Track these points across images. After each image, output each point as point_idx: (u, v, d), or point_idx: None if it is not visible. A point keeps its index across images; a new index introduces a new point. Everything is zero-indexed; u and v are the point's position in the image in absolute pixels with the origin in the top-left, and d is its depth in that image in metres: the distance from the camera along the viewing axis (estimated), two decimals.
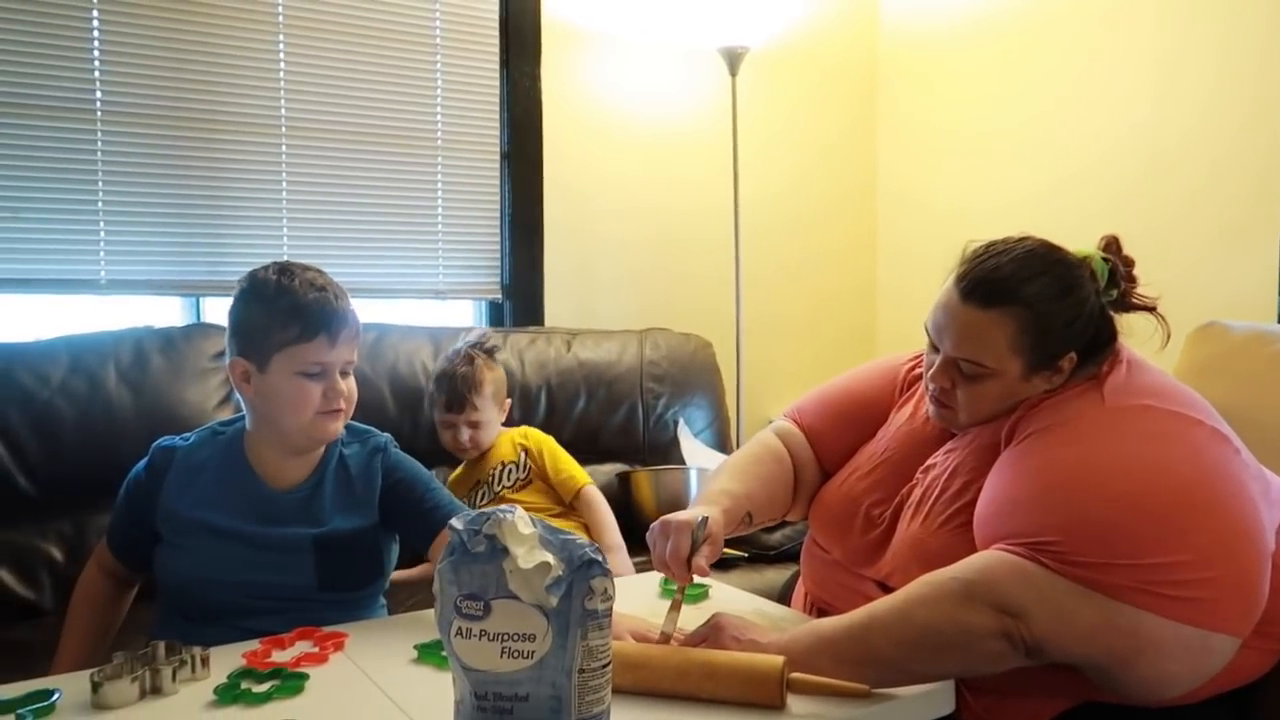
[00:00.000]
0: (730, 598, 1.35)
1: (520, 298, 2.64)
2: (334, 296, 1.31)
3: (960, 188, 2.93)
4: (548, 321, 2.64)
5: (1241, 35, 2.25)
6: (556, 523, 1.82)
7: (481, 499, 1.98)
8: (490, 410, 1.98)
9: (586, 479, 2.01)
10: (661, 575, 1.49)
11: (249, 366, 1.31)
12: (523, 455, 2.01)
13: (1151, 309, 1.23)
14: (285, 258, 2.24)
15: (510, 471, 2.00)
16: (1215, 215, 2.32)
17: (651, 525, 1.24)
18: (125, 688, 1.03)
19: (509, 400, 2.06)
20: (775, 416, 1.56)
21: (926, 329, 1.26)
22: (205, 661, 1.11)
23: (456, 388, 1.94)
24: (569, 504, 2.00)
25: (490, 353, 2.01)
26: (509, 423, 2.09)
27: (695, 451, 2.41)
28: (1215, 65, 2.31)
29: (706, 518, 1.22)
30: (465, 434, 1.96)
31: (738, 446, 2.63)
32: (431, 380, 2.03)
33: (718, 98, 2.83)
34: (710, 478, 1.42)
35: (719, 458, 2.37)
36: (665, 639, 1.13)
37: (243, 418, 1.39)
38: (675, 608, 1.17)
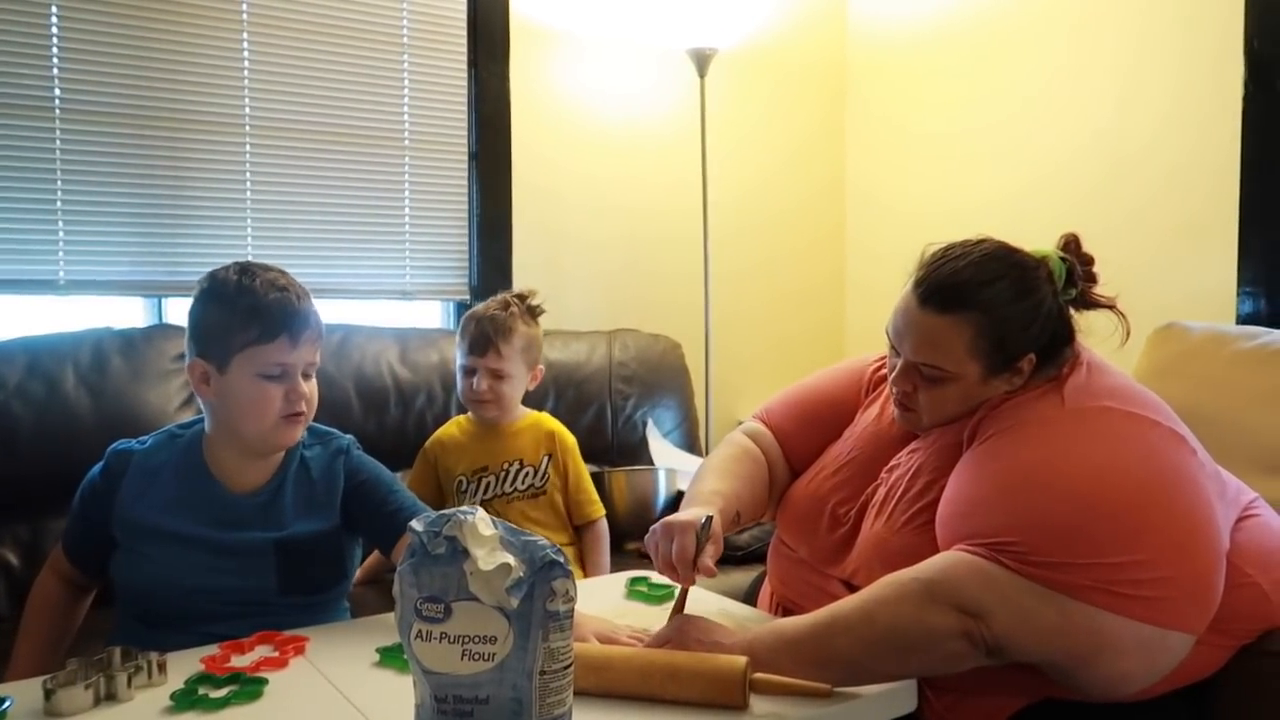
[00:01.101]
0: (696, 598, 1.34)
1: (488, 298, 2.61)
2: (296, 297, 1.30)
3: (927, 189, 2.95)
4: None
5: (1200, 42, 2.29)
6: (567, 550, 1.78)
7: (485, 491, 1.80)
8: (517, 365, 1.77)
9: (602, 509, 1.87)
10: (629, 576, 1.49)
11: (208, 368, 1.29)
12: (545, 461, 1.82)
13: (1111, 306, 1.25)
14: (250, 258, 2.21)
15: (526, 475, 1.81)
16: (1175, 218, 2.35)
17: (652, 527, 1.23)
18: (79, 694, 1.01)
19: (541, 369, 1.84)
20: (744, 417, 1.57)
21: (888, 333, 1.26)
22: (162, 667, 1.09)
23: (484, 329, 1.75)
24: (576, 528, 1.86)
25: (531, 310, 1.81)
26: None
27: (664, 452, 2.41)
28: (1175, 71, 2.35)
29: (711, 517, 1.22)
30: (484, 382, 1.75)
31: (706, 447, 2.64)
32: (459, 323, 1.84)
33: (686, 99, 2.83)
34: (695, 480, 1.41)
35: (688, 458, 2.37)
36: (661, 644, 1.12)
37: (201, 420, 1.37)
38: (678, 611, 1.17)
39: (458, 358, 1.80)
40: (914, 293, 1.21)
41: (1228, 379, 1.71)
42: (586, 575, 1.79)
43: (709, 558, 1.18)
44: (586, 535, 1.86)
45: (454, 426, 1.88)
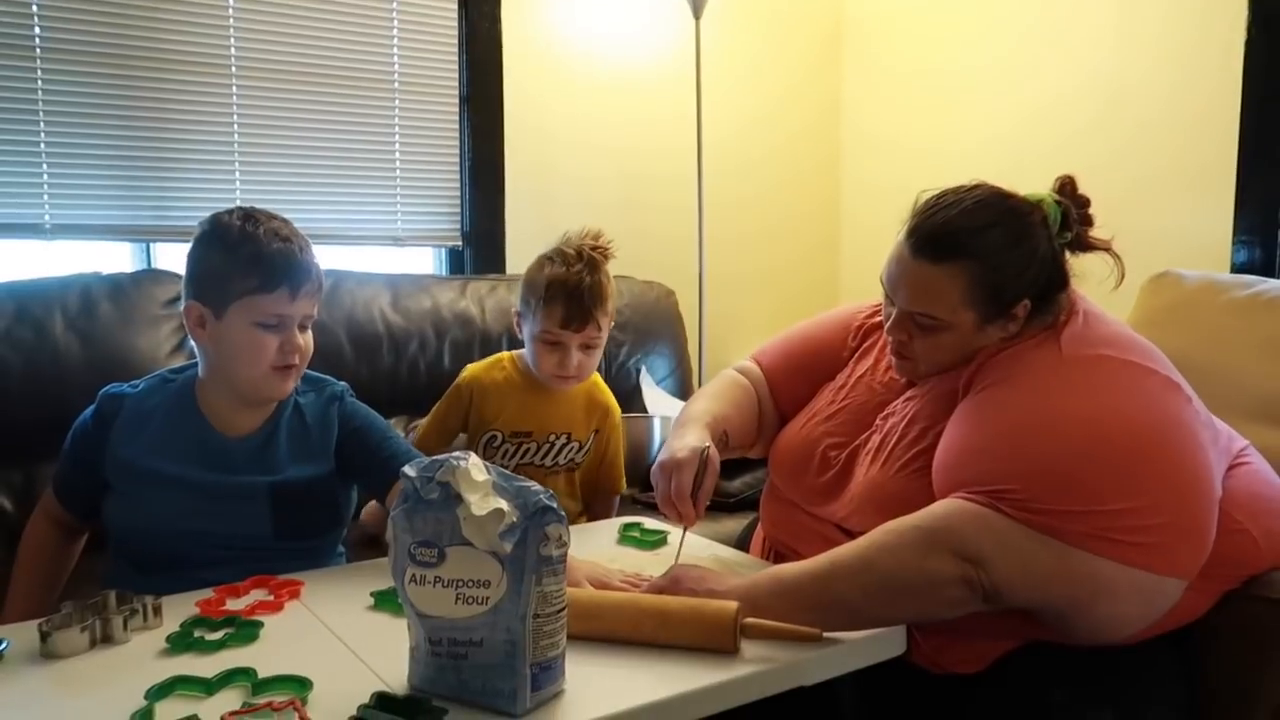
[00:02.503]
0: (688, 542, 1.36)
1: (481, 245, 2.60)
2: (298, 249, 1.29)
3: (923, 127, 2.92)
4: (509, 269, 2.61)
5: None
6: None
7: (522, 456, 1.63)
8: (607, 331, 1.60)
9: (625, 485, 1.77)
10: (622, 522, 1.50)
11: (205, 312, 1.28)
12: (591, 438, 1.67)
13: (1107, 248, 1.24)
14: (238, 202, 2.18)
15: (570, 451, 1.65)
16: (1173, 165, 2.33)
17: (653, 469, 1.27)
18: (75, 637, 1.02)
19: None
20: (737, 364, 1.58)
21: (882, 282, 1.26)
22: (158, 610, 1.10)
23: (582, 299, 1.51)
24: (589, 495, 1.73)
25: (607, 256, 1.59)
26: None
27: (657, 399, 2.41)
28: (1176, 12, 2.31)
29: (708, 446, 1.26)
30: (575, 359, 1.56)
31: None
32: (529, 283, 1.58)
33: (681, 40, 2.78)
34: (686, 405, 1.46)
35: (681, 405, 2.37)
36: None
37: (194, 365, 1.37)
38: (680, 550, 1.23)
39: (534, 324, 1.56)
40: (907, 242, 1.20)
41: (1222, 327, 1.71)
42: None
43: (704, 493, 1.23)
44: (603, 504, 1.74)
45: (498, 370, 1.66)
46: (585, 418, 1.67)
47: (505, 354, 1.69)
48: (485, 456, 1.58)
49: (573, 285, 1.52)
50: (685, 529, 1.25)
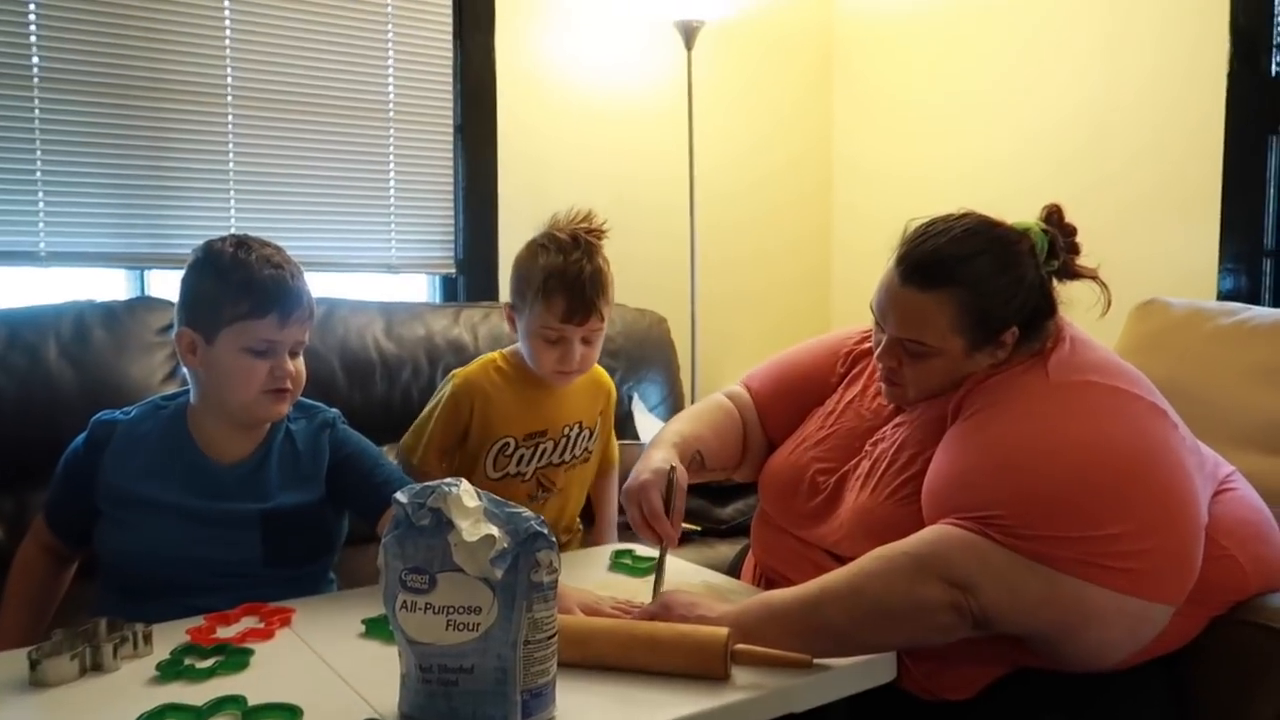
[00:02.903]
0: (678, 569, 1.36)
1: (474, 272, 2.61)
2: (290, 275, 1.30)
3: (913, 158, 2.95)
4: (502, 297, 2.61)
5: (1185, 18, 2.28)
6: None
7: (540, 459, 1.53)
8: (605, 329, 1.50)
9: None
10: (613, 549, 1.50)
11: (196, 338, 1.29)
12: (598, 421, 1.61)
13: (1093, 277, 1.25)
14: (233, 229, 2.20)
15: (583, 439, 1.58)
16: (1158, 194, 2.36)
17: (620, 497, 1.29)
18: (64, 665, 1.02)
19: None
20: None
21: (872, 309, 1.27)
22: (148, 638, 1.10)
23: (583, 290, 1.41)
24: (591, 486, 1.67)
25: (602, 238, 1.49)
26: None
27: (650, 426, 2.41)
28: (1159, 46, 2.34)
29: (674, 466, 1.27)
30: (578, 352, 1.45)
31: None
32: (522, 275, 1.47)
33: (673, 71, 2.81)
34: (663, 427, 1.47)
35: None
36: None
37: (186, 392, 1.37)
38: (659, 569, 1.22)
39: (531, 319, 1.45)
40: (896, 270, 1.22)
41: (1208, 355, 1.72)
42: (602, 517, 1.67)
43: (676, 513, 1.24)
44: (604, 482, 1.68)
45: (494, 372, 1.53)
46: (591, 402, 1.59)
47: (493, 355, 1.56)
48: (498, 467, 1.51)
49: (572, 275, 1.41)
50: (665, 549, 1.25)
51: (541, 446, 1.53)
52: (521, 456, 1.52)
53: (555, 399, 1.54)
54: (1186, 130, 2.30)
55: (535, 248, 1.47)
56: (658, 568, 1.24)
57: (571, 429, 1.55)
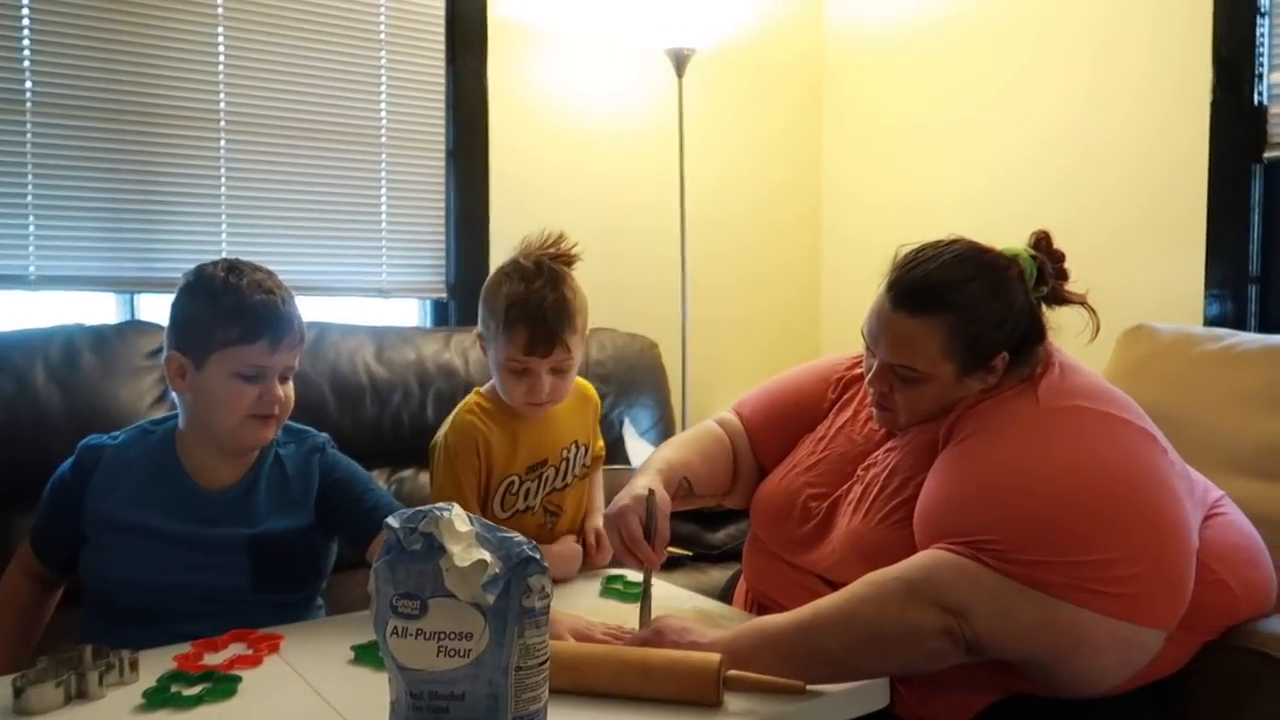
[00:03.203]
0: (669, 594, 1.36)
1: (465, 297, 2.61)
2: (281, 301, 1.29)
3: (901, 184, 2.98)
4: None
5: (1169, 48, 2.31)
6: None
7: (545, 487, 1.49)
8: (579, 349, 1.43)
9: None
10: (605, 574, 1.50)
11: (185, 362, 1.29)
12: (589, 433, 1.57)
13: (1082, 302, 1.26)
14: (224, 253, 2.19)
15: (581, 455, 1.53)
16: (1144, 221, 2.38)
17: (602, 525, 1.30)
18: (50, 692, 1.00)
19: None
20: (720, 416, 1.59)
21: (863, 334, 1.28)
22: (134, 665, 1.08)
23: (546, 322, 1.35)
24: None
25: (571, 264, 1.43)
26: None
27: (641, 451, 2.41)
28: (1143, 78, 2.37)
29: (652, 490, 1.27)
30: (547, 384, 1.39)
31: None
32: (487, 305, 1.42)
33: (664, 98, 2.83)
34: (650, 455, 1.47)
35: None
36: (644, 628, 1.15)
37: (174, 416, 1.36)
38: (645, 594, 1.21)
39: (497, 350, 1.40)
40: (887, 295, 1.22)
41: (1196, 380, 1.74)
42: (591, 500, 1.59)
43: (658, 537, 1.24)
44: (595, 468, 1.61)
45: (477, 416, 1.45)
46: (581, 418, 1.54)
47: (468, 400, 1.49)
48: (506, 506, 1.46)
49: (534, 306, 1.35)
50: (648, 574, 1.25)
51: (544, 475, 1.49)
52: (527, 491, 1.49)
53: (547, 425, 1.49)
54: (1171, 158, 2.32)
55: (500, 276, 1.43)
56: (643, 593, 1.23)
57: (569, 450, 1.52)
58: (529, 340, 1.36)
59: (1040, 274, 1.23)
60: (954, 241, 1.24)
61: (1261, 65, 2.18)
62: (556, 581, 1.39)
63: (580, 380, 1.54)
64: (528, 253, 1.42)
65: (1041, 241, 1.26)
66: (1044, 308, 1.25)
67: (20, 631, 1.36)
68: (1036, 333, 1.23)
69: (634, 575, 1.47)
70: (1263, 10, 2.17)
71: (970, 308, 1.18)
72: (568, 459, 1.51)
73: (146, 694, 1.02)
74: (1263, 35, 2.17)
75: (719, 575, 1.85)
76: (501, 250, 2.63)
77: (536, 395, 1.41)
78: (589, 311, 1.44)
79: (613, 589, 1.44)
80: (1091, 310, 1.26)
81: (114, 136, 2.16)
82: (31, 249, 2.09)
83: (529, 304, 1.36)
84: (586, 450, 1.55)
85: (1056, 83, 2.56)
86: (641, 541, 1.24)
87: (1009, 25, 2.67)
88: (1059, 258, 1.26)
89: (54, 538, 1.35)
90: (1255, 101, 2.19)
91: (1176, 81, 2.30)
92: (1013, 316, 1.20)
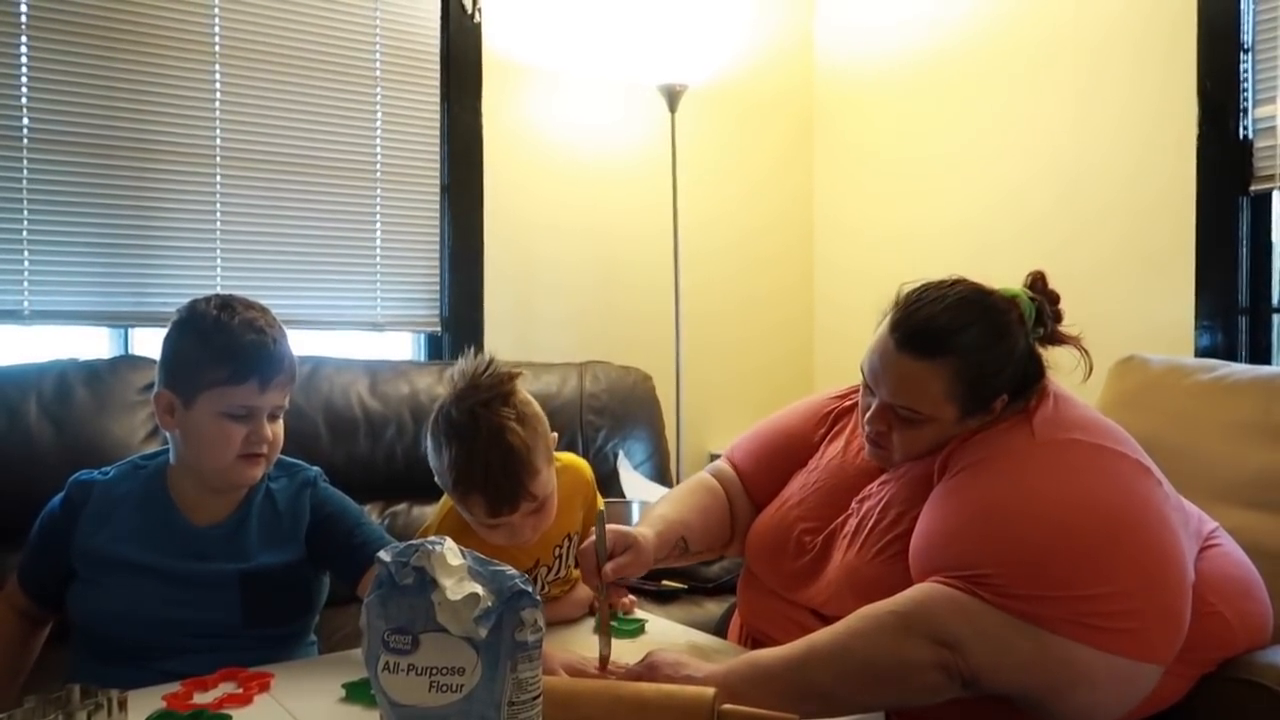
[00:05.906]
0: (664, 629, 1.35)
1: (459, 331, 2.62)
2: (272, 340, 1.28)
3: (892, 217, 3.00)
4: (488, 350, 2.62)
5: (1154, 84, 2.34)
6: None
7: (541, 586, 1.37)
8: (550, 477, 1.29)
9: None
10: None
11: (174, 400, 1.28)
12: (581, 517, 1.45)
13: (1076, 344, 1.27)
14: (219, 288, 2.20)
15: (575, 544, 1.41)
16: (1134, 253, 2.40)
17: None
18: None
19: (554, 435, 1.32)
20: (714, 448, 1.59)
21: (863, 371, 1.27)
22: (123, 704, 1.07)
23: (498, 486, 1.21)
24: None
25: (510, 395, 1.26)
26: None
27: (635, 484, 2.40)
28: (1129, 112, 2.40)
29: (600, 511, 1.28)
30: (528, 527, 1.27)
31: (677, 478, 2.64)
32: (434, 466, 1.27)
33: (657, 134, 2.86)
34: (649, 509, 1.46)
35: (659, 490, 2.37)
36: (605, 662, 1.14)
37: (165, 452, 1.36)
38: (604, 631, 1.19)
39: (465, 510, 1.28)
40: (891, 336, 1.22)
41: (1187, 411, 1.74)
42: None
43: (610, 566, 1.22)
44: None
45: (467, 532, 1.29)
46: (570, 514, 1.41)
47: (446, 507, 1.35)
48: None
49: (479, 475, 1.21)
50: (603, 599, 1.23)
51: (537, 573, 1.38)
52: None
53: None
54: (1159, 191, 2.34)
55: (437, 431, 1.25)
56: (598, 620, 1.21)
57: (561, 547, 1.39)
58: (489, 508, 1.23)
59: (1038, 315, 1.24)
60: (956, 282, 1.24)
61: (1246, 100, 2.21)
62: (561, 622, 1.39)
63: (569, 462, 1.42)
64: (460, 399, 1.25)
65: (1038, 282, 1.27)
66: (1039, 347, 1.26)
67: (8, 669, 1.35)
68: (1035, 373, 1.23)
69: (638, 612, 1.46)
70: (1245, 46, 2.21)
71: (974, 351, 1.18)
72: (560, 555, 1.40)
73: None
74: (1246, 70, 2.21)
75: (714, 608, 1.84)
76: (496, 283, 2.65)
77: (519, 537, 1.28)
78: (544, 423, 1.29)
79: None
80: (1084, 351, 1.26)
81: (110, 172, 2.17)
82: (26, 284, 2.09)
83: (474, 474, 1.22)
84: (579, 538, 1.42)
85: (1044, 116, 2.59)
86: (593, 573, 1.23)
87: (997, 59, 2.71)
88: (1055, 299, 1.27)
89: (43, 573, 1.33)
90: (1240, 135, 2.21)
91: (1163, 115, 2.33)
92: (1014, 361, 1.20)
